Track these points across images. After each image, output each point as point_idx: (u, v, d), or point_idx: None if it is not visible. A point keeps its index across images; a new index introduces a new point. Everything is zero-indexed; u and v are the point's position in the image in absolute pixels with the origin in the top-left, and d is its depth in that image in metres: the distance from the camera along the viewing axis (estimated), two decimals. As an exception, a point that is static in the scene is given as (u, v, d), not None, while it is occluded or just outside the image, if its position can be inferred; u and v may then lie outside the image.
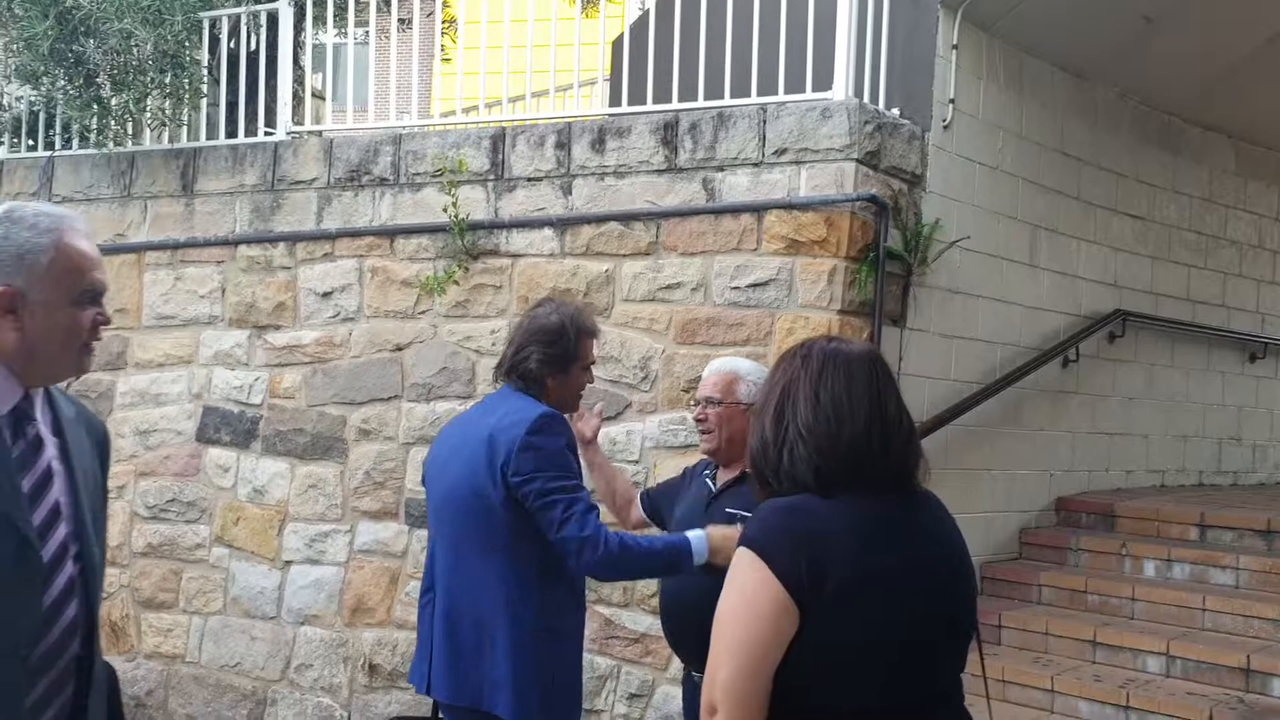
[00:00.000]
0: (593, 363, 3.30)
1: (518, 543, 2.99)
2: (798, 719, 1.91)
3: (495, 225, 5.47)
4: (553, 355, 3.13)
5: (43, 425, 2.05)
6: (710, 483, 3.40)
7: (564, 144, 5.38)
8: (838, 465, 1.97)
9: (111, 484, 7.21)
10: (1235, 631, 4.92)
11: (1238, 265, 7.59)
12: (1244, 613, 4.95)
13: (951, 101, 5.39)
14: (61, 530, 2.02)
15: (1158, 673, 4.78)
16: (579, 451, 3.62)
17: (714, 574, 3.18)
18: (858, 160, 4.79)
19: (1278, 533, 5.45)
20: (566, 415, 3.35)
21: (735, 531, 2.74)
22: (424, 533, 5.52)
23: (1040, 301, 6.06)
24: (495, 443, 3.01)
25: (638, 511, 3.75)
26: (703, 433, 3.38)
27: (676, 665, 4.71)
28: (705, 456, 3.48)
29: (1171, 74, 6.40)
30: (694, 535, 3.00)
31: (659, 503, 3.67)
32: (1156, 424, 6.97)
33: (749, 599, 1.87)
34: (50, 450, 2.05)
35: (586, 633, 5.03)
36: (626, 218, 5.18)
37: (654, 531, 4.28)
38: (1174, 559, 5.45)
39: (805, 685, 1.89)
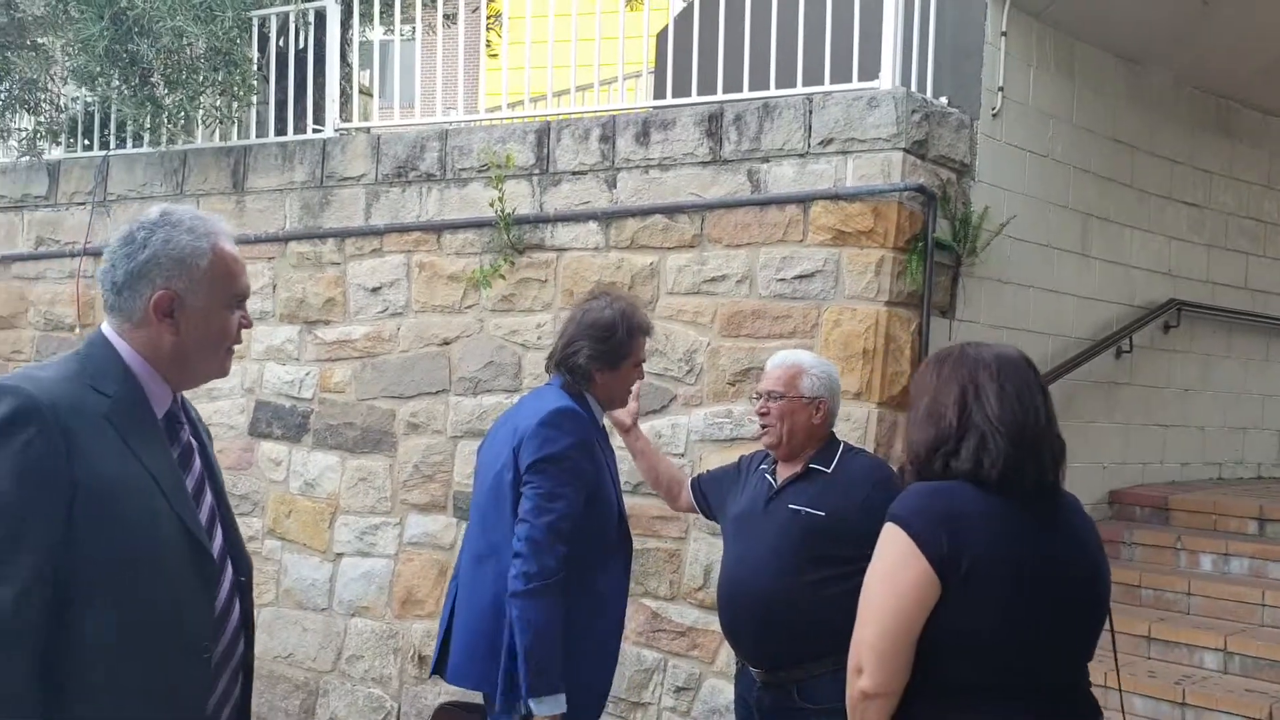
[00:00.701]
0: (644, 360, 3.28)
1: None
2: (933, 690, 2.06)
3: (540, 219, 5.48)
4: (603, 351, 3.12)
5: (187, 429, 2.07)
6: (770, 478, 3.36)
7: (608, 137, 5.38)
8: (1020, 457, 2.12)
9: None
10: (1296, 627, 4.82)
11: (1298, 253, 7.42)
12: (1304, 608, 4.85)
13: (1000, 89, 5.31)
14: (219, 532, 2.03)
15: (1215, 669, 4.69)
16: (624, 439, 3.60)
17: (776, 573, 3.15)
18: (905, 150, 4.74)
19: (1340, 526, 5.34)
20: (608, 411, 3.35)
21: None
22: (472, 525, 5.58)
23: (1092, 291, 5.96)
24: (517, 432, 3.04)
25: (686, 496, 3.72)
26: (763, 426, 3.34)
27: (724, 658, 4.70)
28: (765, 449, 3.44)
29: (1229, 57, 6.26)
30: (559, 698, 2.88)
31: (709, 491, 3.64)
32: (1213, 415, 6.84)
33: (895, 570, 2.06)
34: (198, 454, 2.07)
35: (633, 625, 5.04)
36: (671, 210, 5.17)
37: (698, 518, 4.25)
38: (1231, 553, 5.34)
39: (941, 658, 2.05)
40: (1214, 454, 6.87)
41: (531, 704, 2.86)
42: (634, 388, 3.34)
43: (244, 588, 2.05)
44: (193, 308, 1.96)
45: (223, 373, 2.07)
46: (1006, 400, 2.14)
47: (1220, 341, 6.87)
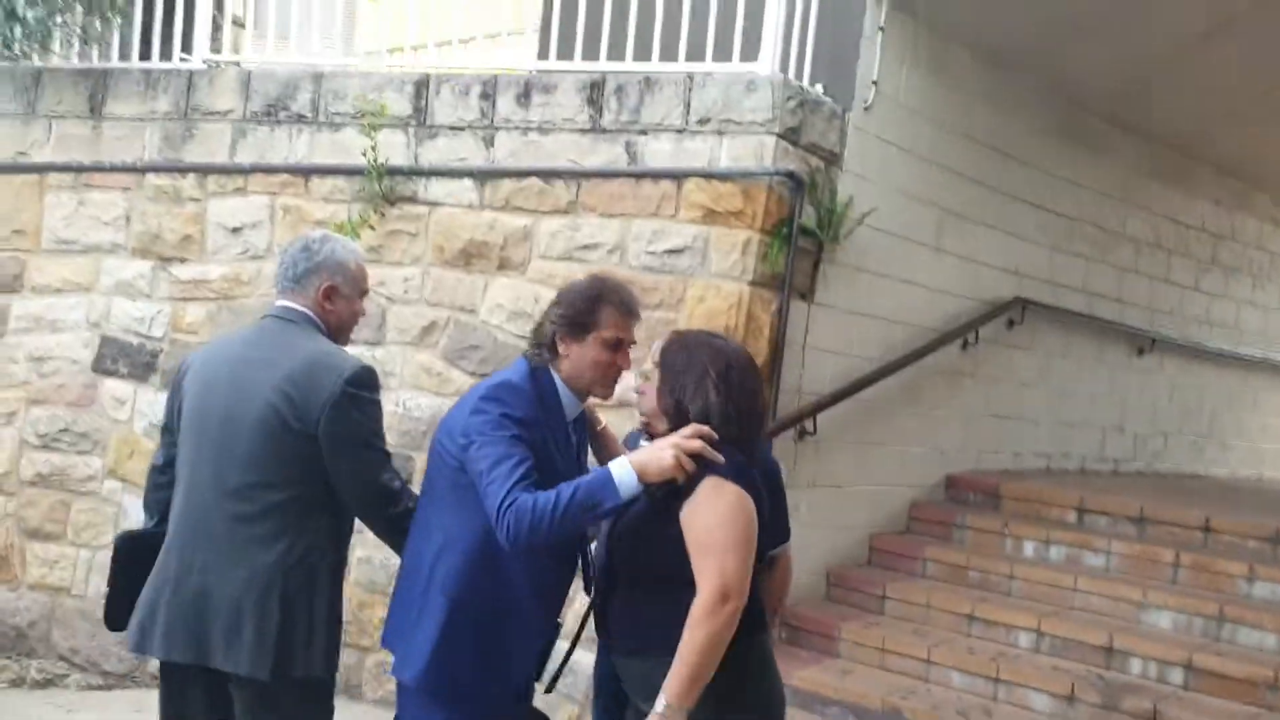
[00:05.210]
0: (621, 343, 2.87)
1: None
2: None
3: (415, 172, 5.41)
4: (564, 316, 2.85)
5: None
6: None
7: (489, 95, 5.34)
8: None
9: (1, 410, 6.91)
10: (1102, 611, 5.15)
11: (1133, 261, 7.86)
12: (1111, 594, 5.18)
13: (874, 83, 5.46)
14: None
15: (1028, 648, 4.99)
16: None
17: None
18: (778, 135, 4.85)
19: (1149, 519, 5.70)
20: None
21: (660, 444, 2.55)
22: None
23: (944, 285, 6.20)
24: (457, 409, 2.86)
25: None
26: (642, 394, 3.17)
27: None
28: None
29: (1091, 70, 6.51)
30: (614, 465, 2.57)
31: None
32: (1047, 409, 7.21)
33: (738, 511, 2.50)
34: None
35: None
36: (548, 174, 5.17)
37: None
38: (1052, 540, 5.66)
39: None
40: (1045, 446, 7.26)
41: (620, 496, 2.55)
42: (626, 382, 2.96)
43: None
44: (342, 297, 3.01)
45: (347, 343, 3.07)
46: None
47: (1059, 340, 7.24)
